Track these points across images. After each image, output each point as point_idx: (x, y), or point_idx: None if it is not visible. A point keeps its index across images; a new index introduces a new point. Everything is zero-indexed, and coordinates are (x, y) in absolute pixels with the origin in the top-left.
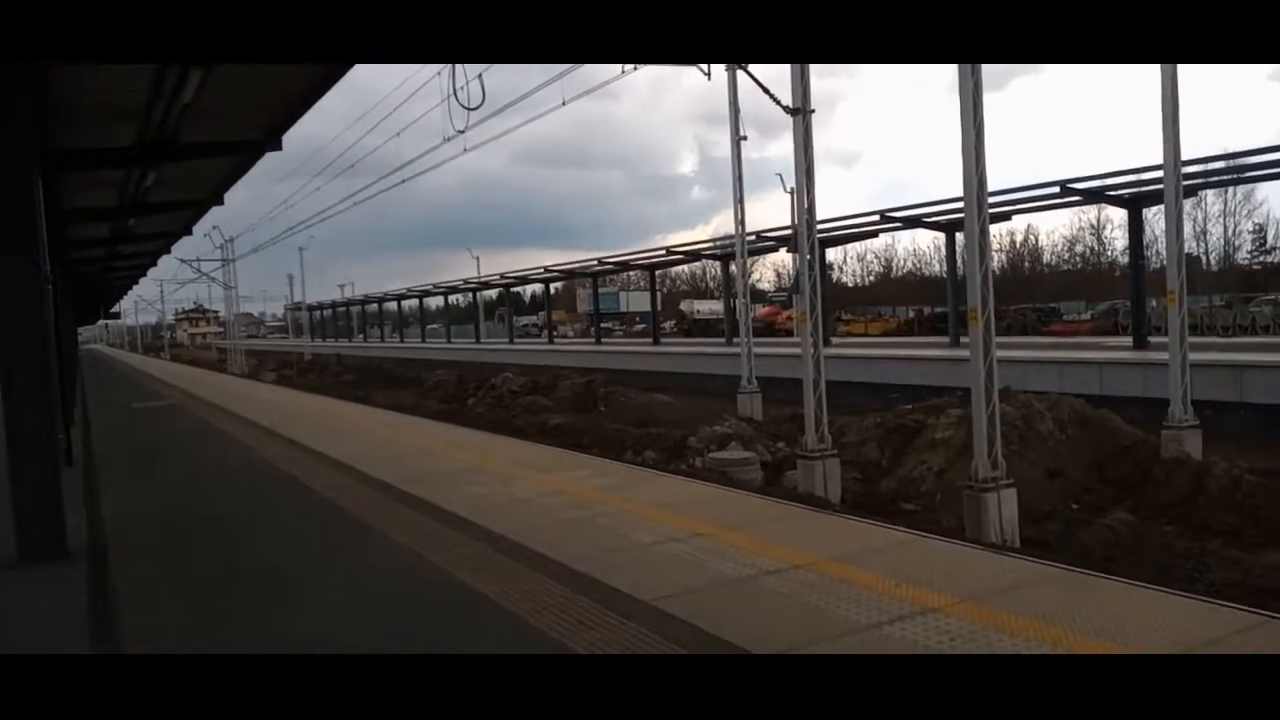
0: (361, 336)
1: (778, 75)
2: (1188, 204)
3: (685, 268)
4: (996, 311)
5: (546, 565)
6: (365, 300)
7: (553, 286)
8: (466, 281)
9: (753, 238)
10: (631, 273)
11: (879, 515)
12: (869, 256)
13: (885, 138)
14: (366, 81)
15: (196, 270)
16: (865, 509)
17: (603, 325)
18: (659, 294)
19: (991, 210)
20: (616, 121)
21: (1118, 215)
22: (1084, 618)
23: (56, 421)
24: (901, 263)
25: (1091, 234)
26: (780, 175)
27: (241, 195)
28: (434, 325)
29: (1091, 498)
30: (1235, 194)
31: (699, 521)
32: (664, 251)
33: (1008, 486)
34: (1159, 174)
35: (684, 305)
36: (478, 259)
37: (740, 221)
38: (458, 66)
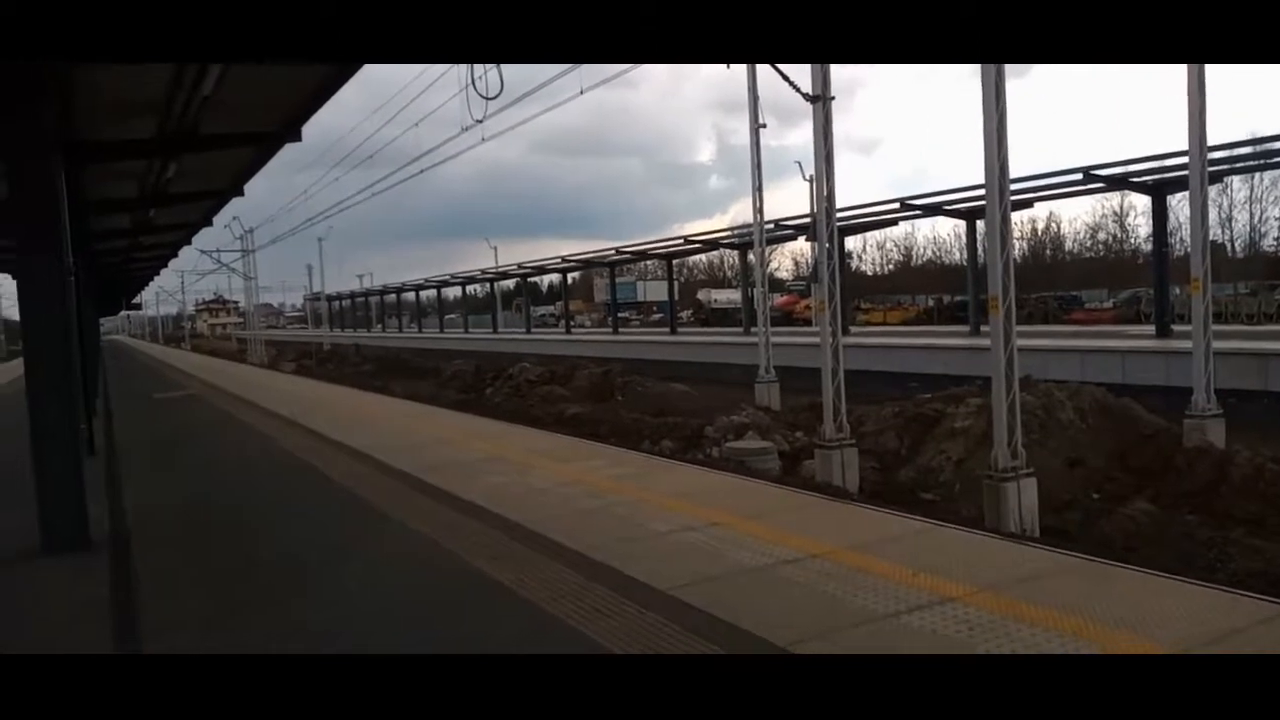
0: (380, 327)
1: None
2: (1213, 190)
3: (703, 257)
4: (1017, 300)
5: (563, 554)
6: (384, 291)
7: (570, 276)
8: (484, 271)
9: (771, 226)
10: (649, 262)
11: (897, 505)
12: (888, 245)
13: (905, 124)
14: (384, 73)
15: (216, 261)
16: (883, 498)
17: (620, 315)
18: (676, 283)
19: (1013, 197)
20: (635, 109)
21: (1141, 202)
22: (1105, 608)
23: (79, 412)
24: (921, 251)
25: (1114, 221)
26: (799, 163)
27: (261, 186)
28: (452, 315)
29: (1112, 487)
30: (1262, 180)
31: (716, 511)
32: (681, 241)
33: (1028, 476)
34: (1184, 160)
35: (701, 294)
36: (495, 249)
37: (759, 210)
38: None
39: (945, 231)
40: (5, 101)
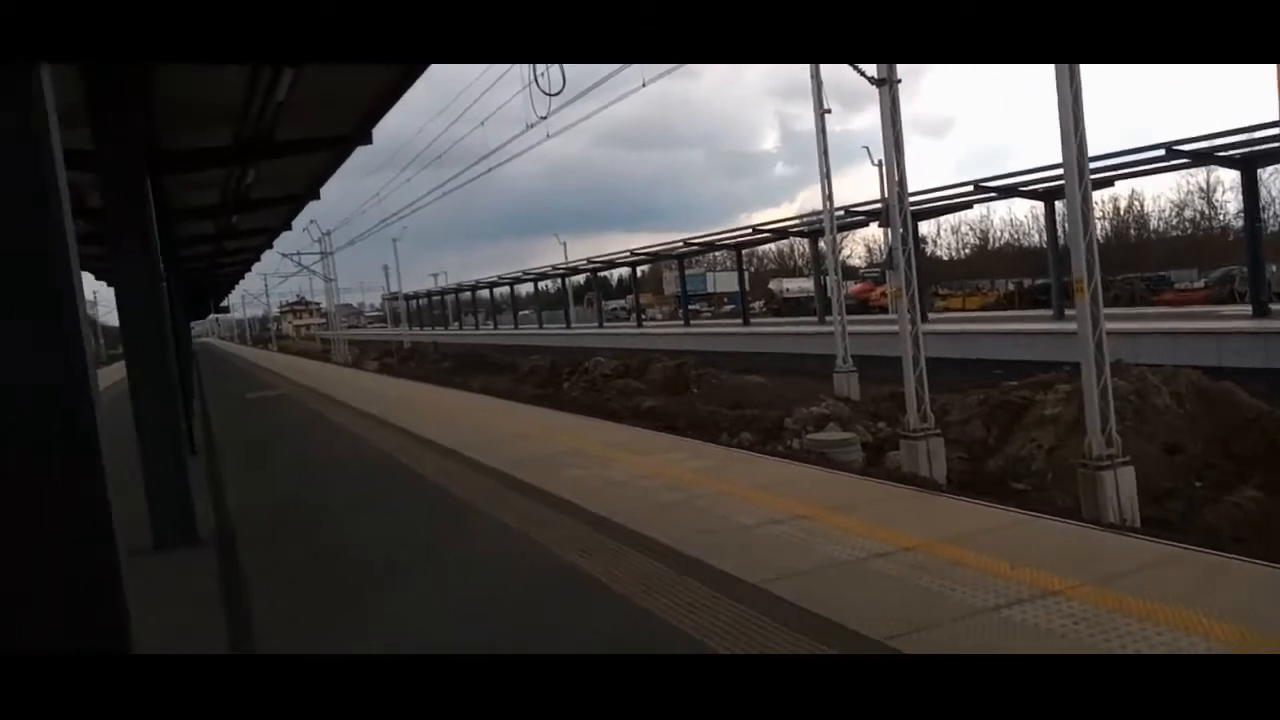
0: (457, 324)
1: None
2: None
3: (772, 246)
4: (1103, 281)
5: (652, 547)
6: (458, 289)
7: (639, 269)
8: (555, 267)
9: (841, 213)
10: (718, 253)
11: (988, 496)
12: (963, 229)
13: (977, 104)
14: (449, 72)
15: (297, 263)
16: (973, 489)
17: (690, 307)
18: (746, 273)
19: (1093, 176)
20: (697, 100)
21: (1229, 177)
22: (1216, 600)
23: (180, 412)
24: (998, 234)
25: (1201, 197)
26: (867, 148)
27: (336, 189)
28: (525, 311)
29: (1214, 474)
30: None
31: (800, 503)
32: (750, 230)
33: (1124, 464)
34: (1276, 131)
35: (773, 284)
36: (564, 244)
37: (828, 197)
38: None
39: (1022, 213)
40: (98, 113)
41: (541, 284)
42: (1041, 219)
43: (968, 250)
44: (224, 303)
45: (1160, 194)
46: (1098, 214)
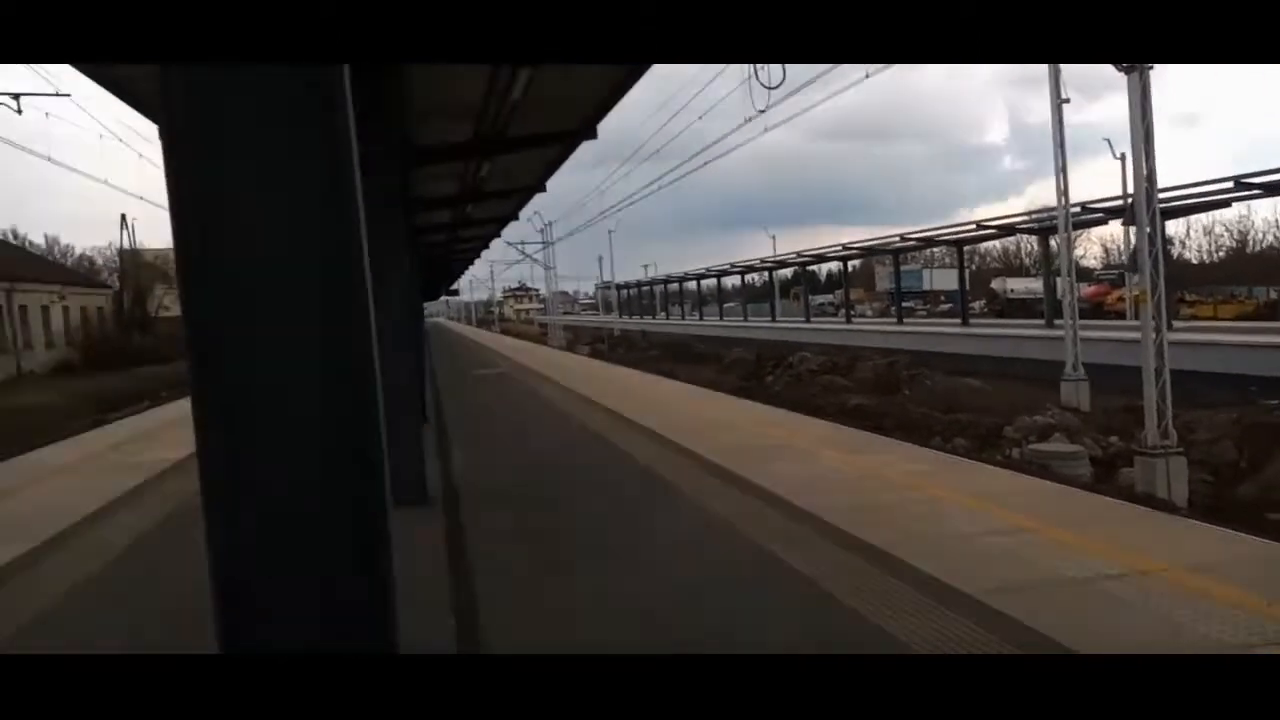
0: (664, 314)
1: None
2: None
3: (996, 243)
4: None
5: (860, 547)
6: (667, 280)
7: (850, 265)
8: (763, 260)
9: (1077, 209)
10: (935, 250)
11: (1237, 523)
12: (1217, 229)
13: (1235, 91)
14: (669, 68)
15: (521, 252)
16: (1219, 515)
17: (904, 304)
18: (967, 271)
19: None
20: (920, 90)
21: None
22: None
23: (421, 380)
24: (1260, 236)
25: None
26: (1108, 140)
27: (559, 182)
28: (730, 304)
29: None
30: None
31: (1022, 515)
32: (974, 226)
33: None
34: None
35: (996, 283)
36: (774, 238)
37: (1063, 192)
38: None
39: None
40: (370, 112)
41: (749, 277)
42: None
43: (1222, 253)
44: (454, 286)
45: None
46: None
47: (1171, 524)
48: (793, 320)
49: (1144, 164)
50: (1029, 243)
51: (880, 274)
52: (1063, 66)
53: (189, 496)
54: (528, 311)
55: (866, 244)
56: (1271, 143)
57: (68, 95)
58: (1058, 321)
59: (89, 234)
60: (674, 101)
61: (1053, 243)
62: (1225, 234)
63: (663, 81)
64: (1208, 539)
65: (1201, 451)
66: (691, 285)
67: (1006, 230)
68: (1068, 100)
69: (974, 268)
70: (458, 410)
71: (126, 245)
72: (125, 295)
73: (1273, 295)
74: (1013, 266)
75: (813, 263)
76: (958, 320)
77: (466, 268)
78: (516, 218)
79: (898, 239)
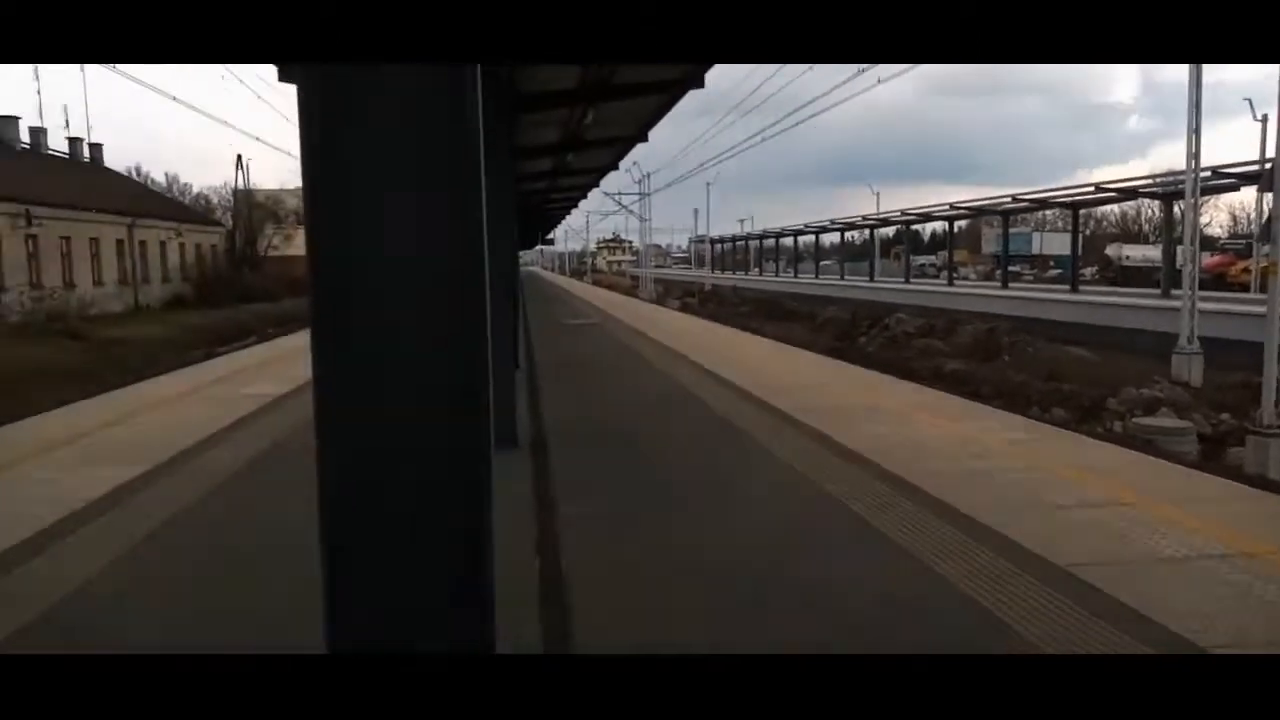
0: (757, 270)
1: None
2: None
3: (1114, 207)
4: None
5: (947, 512)
6: (763, 235)
7: (956, 225)
8: (865, 218)
9: (1208, 174)
10: (1048, 212)
11: None
12: None
13: None
14: None
15: (618, 203)
16: None
17: (1010, 269)
18: (1080, 236)
19: None
20: None
21: None
22: None
23: (515, 328)
24: None
25: None
26: (1249, 100)
27: (660, 133)
28: (827, 262)
29: None
30: None
31: (1121, 489)
32: (1092, 189)
33: None
34: None
35: (1110, 249)
36: (877, 195)
37: (1194, 154)
38: None
39: None
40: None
41: (848, 235)
42: None
43: None
44: (550, 235)
45: None
46: None
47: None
48: (891, 281)
49: None
50: (1150, 208)
51: (987, 236)
52: None
53: (285, 433)
54: (620, 264)
55: (975, 204)
56: None
57: None
58: (1175, 292)
59: (208, 173)
60: None
61: (1178, 208)
62: None
63: None
64: None
65: None
66: (788, 241)
67: (1128, 194)
68: None
69: (1088, 232)
70: (550, 359)
71: (241, 185)
72: (237, 234)
73: None
74: (1130, 233)
75: (917, 222)
76: (1066, 286)
77: (563, 217)
78: (616, 168)
79: (1009, 199)
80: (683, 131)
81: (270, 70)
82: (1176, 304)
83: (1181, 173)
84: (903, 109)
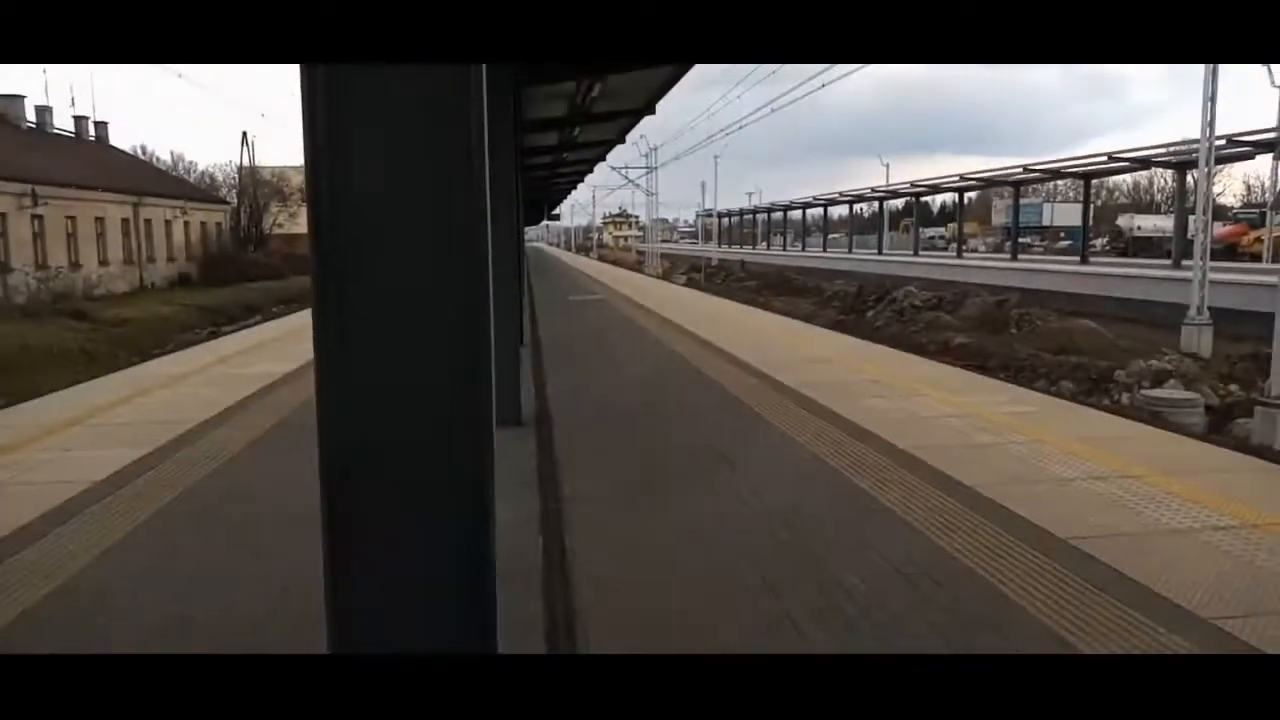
0: (765, 244)
1: None
2: None
3: (1127, 178)
4: None
5: (951, 486)
6: (770, 208)
7: (966, 197)
8: (874, 190)
9: (1223, 142)
10: (1059, 183)
11: None
12: None
13: None
14: None
15: (624, 177)
16: None
17: (1020, 240)
18: (1091, 207)
19: None
20: None
21: None
22: None
23: (520, 305)
24: None
25: None
26: (1269, 67)
27: (666, 105)
28: (835, 235)
29: None
30: None
31: (1127, 461)
32: (1105, 158)
33: None
34: None
35: (1122, 220)
36: (887, 166)
37: (1209, 122)
38: None
39: None
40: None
41: (857, 207)
42: None
43: None
44: (556, 211)
45: None
46: None
47: None
48: (900, 253)
49: None
50: (1163, 178)
51: (997, 207)
52: None
53: (289, 412)
54: (626, 239)
55: (985, 175)
56: None
57: None
58: (1186, 262)
59: (212, 150)
60: None
61: (1190, 177)
62: None
63: None
64: None
65: None
66: (795, 214)
67: (1141, 163)
68: None
69: (1099, 203)
70: (556, 336)
71: (246, 163)
72: (242, 212)
73: None
74: (1142, 203)
75: (926, 193)
76: (1076, 258)
77: (569, 192)
78: (623, 141)
79: (1020, 170)
80: (691, 103)
81: None
82: (1187, 275)
83: (1196, 141)
84: (914, 79)
